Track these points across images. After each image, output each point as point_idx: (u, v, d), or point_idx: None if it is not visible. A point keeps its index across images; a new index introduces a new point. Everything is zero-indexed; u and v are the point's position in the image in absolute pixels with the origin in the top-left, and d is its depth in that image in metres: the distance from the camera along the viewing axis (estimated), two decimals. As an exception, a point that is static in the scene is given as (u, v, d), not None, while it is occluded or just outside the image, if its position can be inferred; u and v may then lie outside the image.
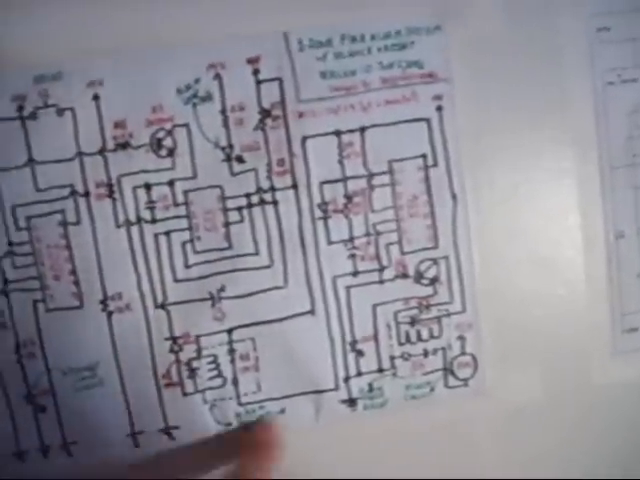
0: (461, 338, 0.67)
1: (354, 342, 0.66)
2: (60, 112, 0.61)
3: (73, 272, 0.63)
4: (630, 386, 0.71)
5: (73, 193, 0.62)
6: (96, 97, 0.61)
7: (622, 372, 0.70)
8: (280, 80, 0.62)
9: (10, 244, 0.62)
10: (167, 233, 0.63)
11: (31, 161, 0.61)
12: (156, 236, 0.63)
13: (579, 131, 0.67)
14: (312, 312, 0.65)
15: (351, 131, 0.63)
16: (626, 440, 0.71)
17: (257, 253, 0.64)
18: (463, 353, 0.67)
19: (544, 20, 0.64)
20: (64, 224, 0.62)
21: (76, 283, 0.63)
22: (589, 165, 0.67)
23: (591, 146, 0.67)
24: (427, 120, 0.64)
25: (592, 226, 0.68)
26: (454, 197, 0.65)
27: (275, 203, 0.63)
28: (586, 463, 0.71)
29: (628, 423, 0.71)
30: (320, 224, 0.64)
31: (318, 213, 0.64)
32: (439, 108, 0.64)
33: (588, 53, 0.66)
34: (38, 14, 0.59)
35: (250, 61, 0.62)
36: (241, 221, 0.63)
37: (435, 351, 0.67)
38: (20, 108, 0.61)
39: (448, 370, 0.68)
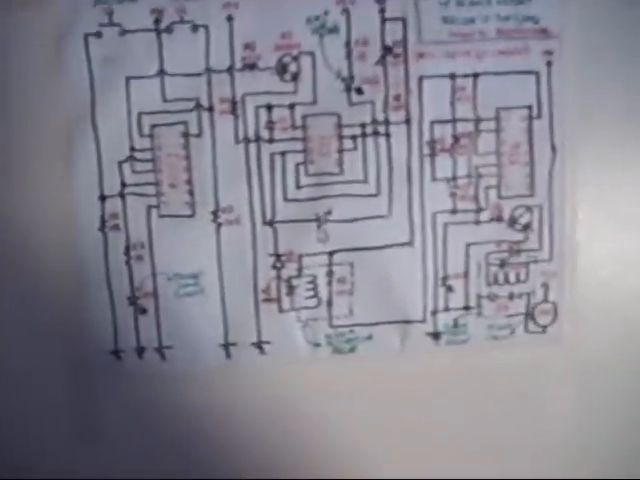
0: (545, 285, 0.70)
1: (446, 277, 0.69)
2: (195, 29, 0.64)
3: (189, 182, 0.66)
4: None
5: (198, 106, 0.65)
6: (230, 18, 0.64)
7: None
8: (404, 20, 0.66)
9: (132, 149, 0.65)
10: (283, 153, 0.66)
11: (161, 72, 0.65)
12: (272, 155, 0.66)
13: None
14: (410, 244, 0.68)
15: (465, 76, 0.67)
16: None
17: (366, 181, 0.67)
18: (545, 300, 0.70)
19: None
20: (186, 135, 0.65)
21: (190, 193, 0.66)
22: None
23: None
24: (536, 73, 0.67)
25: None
26: (554, 149, 0.68)
27: (388, 135, 0.67)
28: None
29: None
30: (427, 160, 0.67)
31: (426, 150, 0.67)
32: (549, 63, 0.67)
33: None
34: None
35: (378, 0, 0.65)
36: (354, 149, 0.66)
37: (520, 295, 0.70)
38: (157, 21, 0.64)
39: (530, 315, 0.71)
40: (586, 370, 0.72)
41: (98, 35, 0.64)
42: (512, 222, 0.69)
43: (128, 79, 0.65)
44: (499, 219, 0.69)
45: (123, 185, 0.66)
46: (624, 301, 0.72)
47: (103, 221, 0.66)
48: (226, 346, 0.68)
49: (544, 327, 0.71)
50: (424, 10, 0.66)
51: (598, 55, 0.68)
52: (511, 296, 0.70)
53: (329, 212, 0.67)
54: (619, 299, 0.72)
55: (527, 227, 0.69)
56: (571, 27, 0.68)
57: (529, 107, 0.68)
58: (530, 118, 0.68)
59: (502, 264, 0.69)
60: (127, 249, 0.66)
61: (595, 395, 0.73)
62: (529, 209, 0.69)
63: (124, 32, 0.64)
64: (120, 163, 0.65)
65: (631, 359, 0.72)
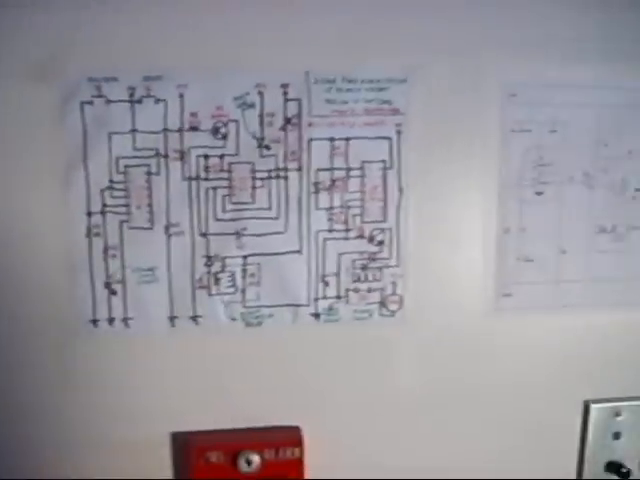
0: (394, 284, 1.03)
1: (324, 276, 1.01)
2: (157, 101, 0.95)
3: (149, 205, 0.97)
4: (503, 335, 1.07)
5: (157, 154, 0.96)
6: (181, 95, 0.96)
7: (497, 326, 1.06)
8: (299, 101, 0.98)
9: (111, 181, 0.96)
10: (214, 188, 0.98)
11: (134, 130, 0.95)
12: (207, 189, 0.97)
13: (488, 159, 1.02)
14: (300, 252, 1.00)
15: (340, 139, 0.99)
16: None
17: (270, 209, 0.99)
18: (394, 294, 1.03)
19: (475, 84, 1.00)
20: (149, 173, 0.96)
21: (150, 212, 0.97)
22: (491, 182, 1.03)
23: (494, 169, 1.03)
24: (389, 139, 1.00)
25: (487, 223, 1.04)
26: (400, 190, 1.01)
27: (286, 178, 0.99)
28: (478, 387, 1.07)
29: (500, 361, 1.08)
30: (312, 196, 0.99)
31: (312, 189, 0.99)
32: (398, 132, 1.00)
33: (501, 109, 1.02)
34: (148, 32, 0.93)
35: (282, 85, 0.97)
36: (262, 187, 0.98)
37: (375, 289, 1.03)
38: (131, 95, 0.95)
39: (383, 304, 1.03)
40: (424, 345, 1.05)
41: (90, 103, 0.95)
42: (371, 239, 1.01)
43: (110, 134, 0.95)
44: (361, 237, 1.01)
45: (104, 205, 0.96)
46: (452, 296, 1.04)
47: (89, 230, 0.97)
48: (171, 318, 1.00)
49: (393, 312, 1.04)
50: (314, 94, 0.98)
51: (433, 127, 1.01)
52: (369, 290, 1.03)
53: (244, 229, 0.99)
54: (448, 294, 1.04)
55: (381, 243, 1.02)
56: (415, 108, 1.00)
57: (384, 161, 1.00)
58: (384, 169, 1.00)
59: (363, 268, 1.02)
60: (105, 250, 0.97)
61: (430, 362, 1.06)
62: (383, 230, 1.02)
63: (109, 101, 0.95)
64: (102, 190, 0.96)
65: (456, 336, 1.05)
